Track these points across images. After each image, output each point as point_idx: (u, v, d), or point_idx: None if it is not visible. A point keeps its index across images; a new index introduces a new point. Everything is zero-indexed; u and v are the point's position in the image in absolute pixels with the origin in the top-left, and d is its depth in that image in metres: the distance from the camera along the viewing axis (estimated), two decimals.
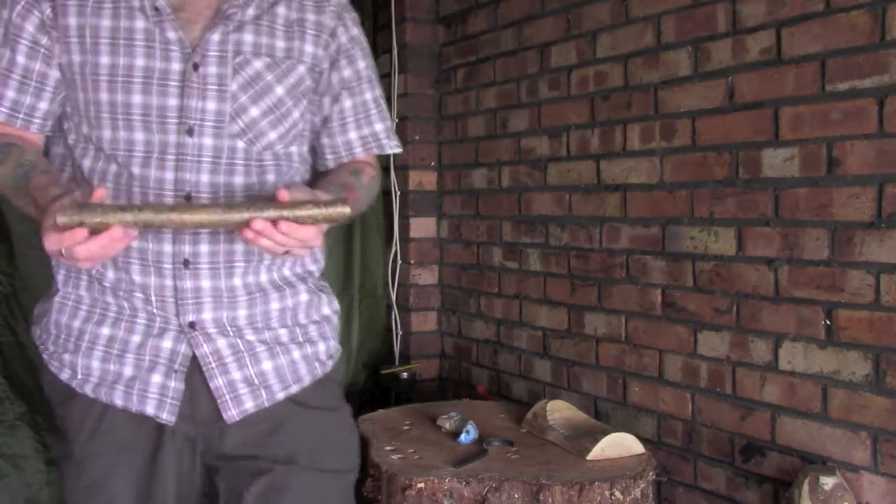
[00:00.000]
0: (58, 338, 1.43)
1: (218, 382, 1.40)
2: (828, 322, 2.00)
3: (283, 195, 1.20)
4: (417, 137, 3.42)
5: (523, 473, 2.13)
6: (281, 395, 1.45)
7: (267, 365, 1.43)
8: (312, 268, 1.53)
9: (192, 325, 1.38)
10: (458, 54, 3.34)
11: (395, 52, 3.41)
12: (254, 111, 1.39)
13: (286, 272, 1.48)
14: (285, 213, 1.17)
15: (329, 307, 1.55)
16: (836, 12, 1.96)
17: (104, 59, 1.33)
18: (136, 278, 1.37)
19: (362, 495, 2.22)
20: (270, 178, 1.43)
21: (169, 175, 1.35)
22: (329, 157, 1.56)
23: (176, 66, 1.34)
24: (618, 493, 2.08)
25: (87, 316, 1.41)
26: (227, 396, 1.40)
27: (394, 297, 3.46)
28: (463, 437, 2.38)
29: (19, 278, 2.56)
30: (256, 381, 1.42)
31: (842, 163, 1.96)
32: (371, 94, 1.54)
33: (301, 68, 1.44)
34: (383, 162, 2.77)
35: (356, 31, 1.53)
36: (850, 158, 1.95)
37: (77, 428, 1.42)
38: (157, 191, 1.34)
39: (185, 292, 1.37)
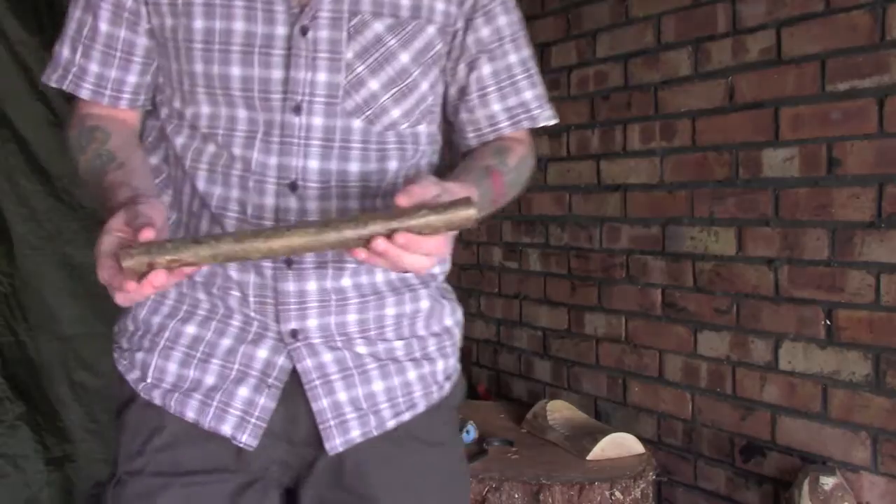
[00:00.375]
0: (133, 334, 1.21)
1: (322, 404, 1.15)
2: (828, 322, 2.00)
3: (402, 201, 0.95)
4: None
5: (523, 473, 2.13)
6: (391, 424, 1.19)
7: (378, 385, 1.18)
8: (436, 270, 1.27)
9: (293, 333, 1.14)
10: None
11: None
12: (373, 84, 1.14)
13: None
14: (394, 223, 0.93)
15: (452, 317, 1.28)
16: (836, 12, 1.96)
17: (198, 23, 1.10)
18: (234, 274, 1.14)
19: None
20: (392, 164, 1.17)
21: (272, 160, 1.11)
22: (471, 135, 1.27)
23: (280, 31, 1.10)
24: (618, 493, 2.08)
25: (172, 312, 1.18)
26: (332, 422, 1.15)
27: None
28: (463, 436, 2.38)
29: (19, 278, 2.56)
30: (365, 405, 1.17)
31: (842, 163, 1.96)
32: (516, 55, 1.25)
33: (430, 30, 1.17)
34: None
35: None
36: (850, 158, 1.95)
37: (129, 440, 1.19)
38: (259, 177, 1.12)
39: (288, 296, 1.13)
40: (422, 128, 1.21)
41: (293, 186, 1.12)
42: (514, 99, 1.25)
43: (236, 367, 1.15)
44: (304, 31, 1.10)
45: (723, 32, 2.23)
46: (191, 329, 1.17)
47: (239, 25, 1.10)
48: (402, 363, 1.21)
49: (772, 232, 2.13)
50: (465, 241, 3.27)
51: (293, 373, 1.15)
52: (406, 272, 1.11)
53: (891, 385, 1.88)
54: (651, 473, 2.20)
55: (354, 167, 1.14)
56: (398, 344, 1.21)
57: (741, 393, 2.22)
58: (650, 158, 2.47)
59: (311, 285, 1.14)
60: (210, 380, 1.15)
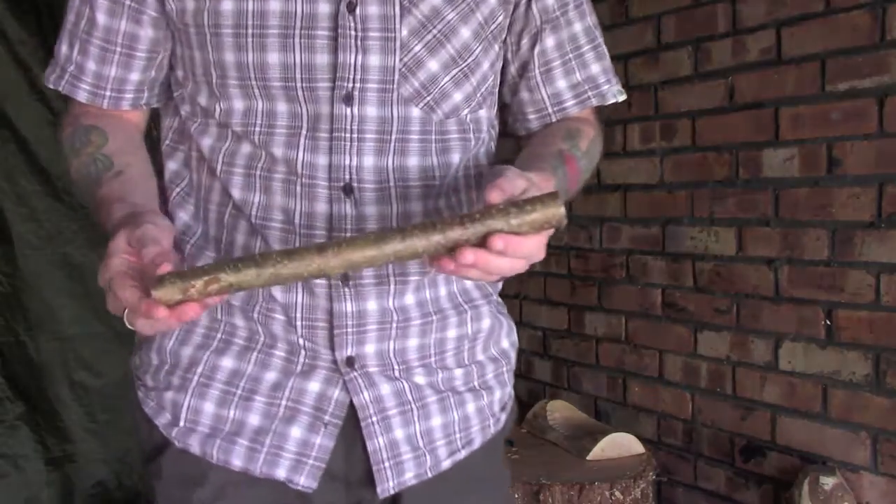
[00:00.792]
0: (159, 369, 1.04)
1: (378, 443, 1.01)
2: (828, 322, 2.00)
3: (495, 197, 0.81)
4: None
5: (523, 473, 2.13)
6: (447, 464, 1.06)
7: (436, 420, 1.05)
8: (500, 283, 1.13)
9: (349, 361, 0.99)
10: None
11: None
12: (433, 65, 0.98)
13: (467, 283, 1.08)
14: (470, 229, 0.78)
15: (508, 339, 1.15)
16: (836, 12, 1.96)
17: (226, 5, 0.95)
18: (278, 295, 0.99)
19: None
20: (455, 157, 1.03)
21: (321, 159, 0.96)
22: (532, 116, 1.12)
23: (325, 9, 0.95)
24: (618, 493, 2.08)
25: (204, 342, 1.02)
26: (387, 463, 1.02)
27: None
28: None
29: (19, 278, 2.56)
30: (421, 443, 1.04)
31: (842, 163, 1.96)
32: (581, 23, 1.10)
33: (492, 1, 1.02)
34: None
35: None
36: (850, 158, 1.95)
37: (167, 490, 1.03)
38: (308, 180, 0.96)
39: (344, 317, 0.98)
40: (483, 112, 1.06)
41: (347, 189, 0.96)
42: (580, 73, 1.11)
43: (285, 403, 1.00)
44: (350, 8, 0.95)
45: (723, 32, 2.23)
46: (228, 362, 1.01)
47: (275, 5, 0.94)
48: (461, 394, 1.07)
49: (772, 232, 2.13)
50: None
51: (350, 406, 1.00)
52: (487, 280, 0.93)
53: (891, 385, 1.88)
54: (651, 473, 2.20)
55: (414, 162, 0.99)
56: (458, 372, 1.07)
57: (741, 393, 2.22)
58: (650, 158, 2.47)
59: (371, 304, 0.99)
60: (255, 420, 1.00)
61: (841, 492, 1.91)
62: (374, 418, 1.01)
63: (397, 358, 1.02)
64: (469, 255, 0.78)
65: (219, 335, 1.02)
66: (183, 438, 1.01)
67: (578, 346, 2.76)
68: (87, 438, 2.60)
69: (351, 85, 0.95)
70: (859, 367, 1.94)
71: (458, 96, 1.01)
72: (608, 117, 2.60)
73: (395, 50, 0.96)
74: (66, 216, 2.61)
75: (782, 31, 2.09)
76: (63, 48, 1.03)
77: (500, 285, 1.14)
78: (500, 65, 1.08)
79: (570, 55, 1.09)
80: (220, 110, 0.98)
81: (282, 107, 0.96)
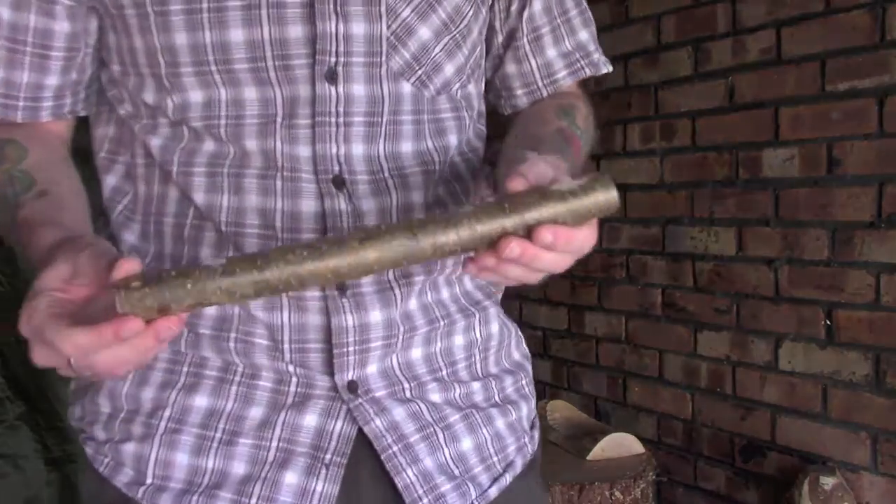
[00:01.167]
0: (113, 418, 0.86)
1: (408, 477, 0.84)
2: (828, 322, 2.00)
3: (517, 184, 0.67)
4: None
5: None
6: (493, 492, 0.90)
7: (466, 443, 0.89)
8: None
9: (352, 386, 0.83)
10: None
11: None
12: (424, 32, 0.84)
13: (469, 285, 0.95)
14: (514, 217, 0.65)
15: (518, 350, 1.00)
16: (836, 12, 1.96)
17: None
18: (259, 313, 0.82)
19: None
20: (452, 138, 0.90)
21: (303, 150, 0.81)
22: (520, 92, 0.99)
23: None
24: (618, 493, 2.08)
25: (168, 378, 0.84)
26: (426, 499, 0.84)
27: None
28: None
29: (19, 278, 2.56)
30: (457, 471, 0.87)
31: (842, 163, 1.96)
32: None
33: None
34: None
35: None
36: (850, 158, 1.95)
37: None
38: (291, 173, 0.81)
39: (345, 334, 0.82)
40: (471, 88, 0.93)
41: (339, 182, 0.81)
42: (570, 41, 0.97)
43: (276, 444, 0.82)
44: None
45: (723, 32, 2.23)
46: (201, 400, 0.83)
47: None
48: (485, 410, 0.92)
49: (772, 232, 2.13)
50: None
51: (359, 437, 0.84)
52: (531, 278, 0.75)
53: (891, 385, 1.88)
54: (651, 473, 2.20)
55: (408, 147, 0.86)
56: (476, 386, 0.92)
57: (741, 393, 2.22)
58: (650, 158, 2.47)
59: (375, 315, 0.83)
60: (240, 468, 0.82)
61: (841, 492, 1.91)
62: (395, 448, 0.83)
63: (405, 374, 0.86)
64: (515, 247, 0.65)
65: (185, 368, 0.83)
66: (152, 499, 0.82)
67: (578, 346, 2.76)
68: None
69: (334, 59, 0.80)
70: (859, 367, 1.94)
71: (449, 69, 0.88)
72: (608, 117, 2.60)
73: (380, 15, 0.81)
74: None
75: (782, 31, 2.09)
76: None
77: (503, 287, 1.01)
78: (486, 33, 0.95)
79: (559, 20, 0.96)
80: (173, 105, 0.81)
81: (250, 93, 0.80)
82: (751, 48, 2.16)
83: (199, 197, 0.82)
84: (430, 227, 0.65)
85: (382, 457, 0.83)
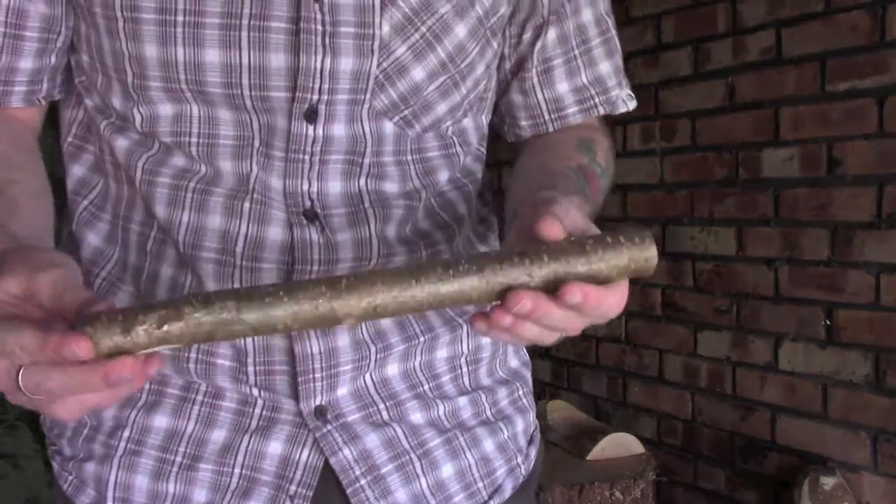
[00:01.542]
0: (77, 433, 0.82)
1: None
2: (828, 322, 2.00)
3: (553, 231, 0.57)
4: None
5: None
6: None
7: (447, 469, 0.82)
8: None
9: (319, 412, 0.77)
10: None
11: None
12: (417, 72, 0.76)
13: None
14: (536, 270, 0.56)
15: (517, 356, 0.93)
16: (836, 12, 1.96)
17: None
18: None
19: None
20: (441, 176, 0.83)
21: (275, 181, 0.74)
22: (524, 123, 0.90)
23: None
24: (618, 493, 2.08)
25: (128, 396, 0.77)
26: None
27: None
28: None
29: None
30: (434, 500, 0.81)
31: (842, 163, 1.96)
32: (592, 10, 0.87)
33: None
34: None
35: None
36: (850, 158, 1.95)
37: None
38: (262, 197, 0.75)
39: (310, 360, 0.76)
40: (468, 122, 0.84)
41: (311, 215, 0.75)
42: (586, 74, 0.88)
43: (238, 471, 0.77)
44: None
45: (723, 32, 2.23)
46: (161, 420, 0.78)
47: None
48: (472, 430, 0.84)
49: (772, 232, 2.13)
50: None
51: (325, 469, 0.78)
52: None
53: (891, 385, 1.88)
54: (651, 473, 2.20)
55: (392, 187, 0.79)
56: (463, 401, 0.85)
57: (741, 393, 2.22)
58: (650, 158, 2.47)
59: (343, 338, 0.77)
60: (201, 495, 0.77)
61: (841, 492, 1.91)
62: (364, 481, 0.77)
63: (381, 392, 0.79)
64: (527, 302, 0.55)
65: (147, 386, 0.78)
66: None
67: (578, 346, 2.76)
68: None
69: (316, 97, 0.72)
70: (859, 367, 1.94)
71: (441, 108, 0.79)
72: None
73: (372, 51, 0.73)
74: (67, 217, 2.61)
75: (782, 31, 2.09)
76: None
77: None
78: (497, 63, 0.86)
79: (576, 50, 0.86)
80: (141, 117, 0.74)
81: (225, 114, 0.73)
82: (751, 48, 2.16)
83: (161, 210, 0.76)
84: (433, 272, 0.55)
85: (348, 491, 0.77)
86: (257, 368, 0.76)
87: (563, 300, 0.55)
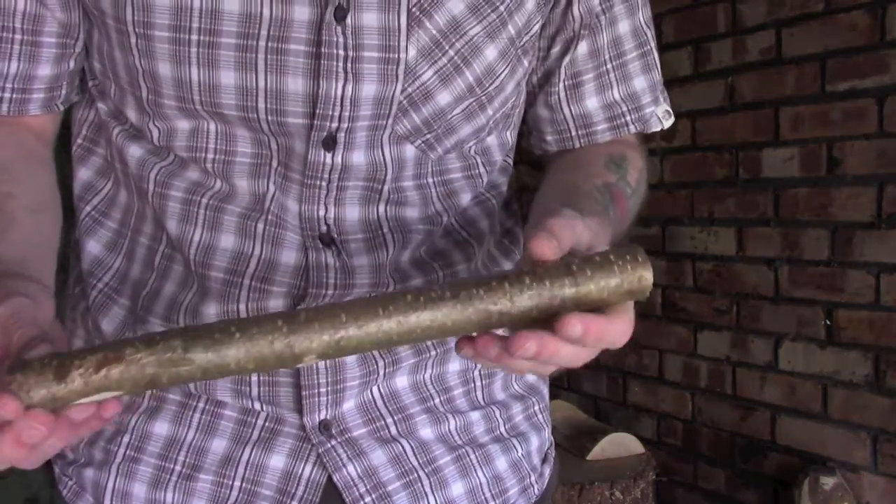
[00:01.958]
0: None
1: None
2: (828, 322, 2.00)
3: (547, 250, 0.53)
4: None
5: None
6: None
7: (457, 488, 0.79)
8: None
9: (324, 426, 0.74)
10: None
11: None
12: (443, 97, 0.71)
13: None
14: (515, 299, 0.51)
15: None
16: (836, 12, 1.96)
17: None
18: None
19: None
20: (464, 197, 0.79)
21: (292, 204, 0.72)
22: (550, 138, 0.85)
23: (303, 14, 0.66)
24: (618, 493, 2.08)
25: (129, 401, 0.77)
26: None
27: None
28: None
29: None
30: None
31: (842, 163, 1.96)
32: (629, 21, 0.81)
33: (529, 4, 0.74)
34: None
35: None
36: (850, 158, 1.95)
37: None
38: (277, 218, 0.72)
39: (315, 375, 0.73)
40: (492, 139, 0.80)
41: (327, 240, 0.72)
42: (619, 89, 0.83)
43: (239, 483, 0.74)
44: (339, 15, 0.67)
45: (723, 32, 2.23)
46: (162, 427, 0.76)
47: (232, 4, 0.66)
48: (485, 447, 0.81)
49: (772, 232, 2.13)
50: None
51: (328, 484, 0.75)
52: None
53: (891, 385, 1.88)
54: (651, 473, 2.20)
55: (413, 213, 0.75)
56: (475, 416, 0.81)
57: (741, 393, 2.22)
58: (650, 158, 2.47)
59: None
60: None
61: (841, 492, 1.91)
62: (369, 498, 0.74)
63: (389, 406, 0.76)
64: (527, 344, 0.50)
65: (148, 392, 0.72)
66: None
67: None
68: None
69: (336, 125, 0.68)
70: (859, 367, 1.94)
71: (466, 130, 0.75)
72: None
73: (396, 77, 0.68)
74: (66, 218, 2.61)
75: (782, 31, 2.09)
76: None
77: None
78: (526, 78, 0.81)
79: (610, 64, 0.81)
80: (158, 132, 0.72)
81: (243, 132, 0.70)
82: (751, 48, 2.16)
83: (172, 226, 0.73)
84: (419, 303, 0.50)
85: None
86: (261, 378, 0.73)
87: (564, 334, 0.50)
